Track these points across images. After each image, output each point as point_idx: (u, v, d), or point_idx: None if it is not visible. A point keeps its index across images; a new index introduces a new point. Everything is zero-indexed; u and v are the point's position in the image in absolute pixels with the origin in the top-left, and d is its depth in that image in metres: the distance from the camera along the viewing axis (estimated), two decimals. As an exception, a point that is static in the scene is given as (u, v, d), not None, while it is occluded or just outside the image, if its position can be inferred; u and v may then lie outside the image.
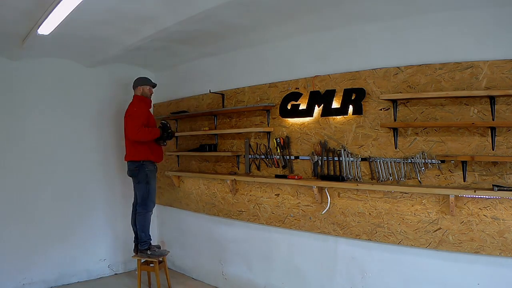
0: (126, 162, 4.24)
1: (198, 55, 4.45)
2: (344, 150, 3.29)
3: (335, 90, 3.36)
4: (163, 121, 4.32)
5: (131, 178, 4.26)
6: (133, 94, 4.29)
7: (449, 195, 2.70)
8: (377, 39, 3.16)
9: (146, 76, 4.44)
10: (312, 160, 3.48)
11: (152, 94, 4.39)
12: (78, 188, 4.66)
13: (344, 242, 3.35)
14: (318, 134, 3.49)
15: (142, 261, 4.20)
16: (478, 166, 2.69)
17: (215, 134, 4.35)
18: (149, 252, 4.15)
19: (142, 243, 4.15)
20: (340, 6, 2.93)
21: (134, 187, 4.26)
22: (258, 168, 3.94)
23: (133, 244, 4.29)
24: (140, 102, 4.22)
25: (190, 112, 4.66)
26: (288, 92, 3.68)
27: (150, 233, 4.23)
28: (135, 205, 4.28)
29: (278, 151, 3.73)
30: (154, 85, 4.36)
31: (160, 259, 4.23)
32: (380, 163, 3.10)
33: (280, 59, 3.82)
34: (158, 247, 4.35)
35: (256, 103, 3.97)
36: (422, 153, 2.90)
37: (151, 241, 4.23)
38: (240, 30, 3.56)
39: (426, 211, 2.90)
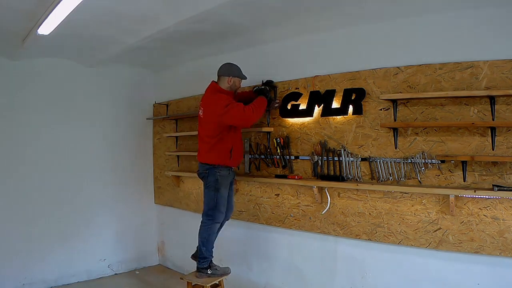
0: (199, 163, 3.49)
1: (198, 55, 4.45)
2: (344, 150, 3.29)
3: (335, 90, 3.36)
4: (258, 87, 3.65)
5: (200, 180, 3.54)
6: (214, 81, 3.43)
7: (449, 195, 2.70)
8: (377, 39, 3.16)
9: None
10: (312, 160, 3.48)
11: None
12: (78, 188, 4.66)
13: (344, 242, 3.35)
14: (318, 134, 3.49)
15: (192, 284, 3.47)
16: (478, 166, 2.69)
17: (215, 134, 4.35)
18: (209, 272, 3.44)
19: (202, 260, 3.45)
20: (340, 6, 2.93)
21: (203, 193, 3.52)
22: (258, 168, 3.94)
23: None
24: (222, 92, 3.36)
25: (190, 112, 4.66)
26: (288, 92, 3.68)
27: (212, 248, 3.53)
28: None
29: (278, 151, 3.73)
30: (244, 78, 3.53)
31: (217, 282, 3.48)
32: (380, 163, 3.10)
33: (280, 59, 3.82)
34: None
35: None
36: (422, 153, 2.90)
37: (212, 258, 3.52)
38: (240, 30, 3.56)
39: (426, 211, 2.90)
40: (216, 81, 3.43)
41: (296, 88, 3.64)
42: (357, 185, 3.14)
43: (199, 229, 3.49)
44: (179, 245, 5.01)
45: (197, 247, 3.58)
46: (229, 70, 3.42)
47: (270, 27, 3.48)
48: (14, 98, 4.25)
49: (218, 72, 3.42)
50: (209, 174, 3.36)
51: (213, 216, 3.42)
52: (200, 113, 3.39)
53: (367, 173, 3.20)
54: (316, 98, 3.47)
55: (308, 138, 3.56)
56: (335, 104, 3.35)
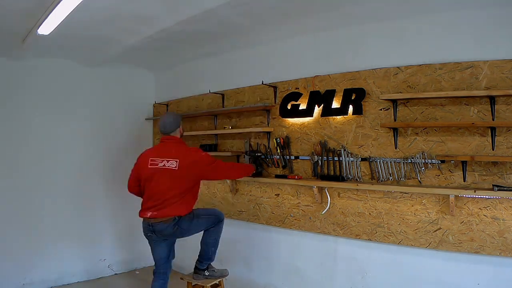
0: (152, 222, 3.07)
1: (198, 55, 4.45)
2: (344, 150, 3.29)
3: (335, 90, 3.36)
4: (255, 153, 3.79)
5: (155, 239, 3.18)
6: (172, 136, 3.23)
7: (449, 195, 2.70)
8: (377, 39, 3.16)
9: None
10: (312, 160, 3.48)
11: None
12: (78, 188, 4.66)
13: (344, 242, 3.35)
14: (318, 134, 3.49)
15: (192, 285, 3.41)
16: (478, 166, 2.69)
17: (215, 134, 4.35)
18: (207, 273, 3.37)
19: (205, 261, 3.38)
20: (340, 6, 2.94)
21: (162, 251, 3.22)
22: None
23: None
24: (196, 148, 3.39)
25: (190, 112, 4.66)
26: (288, 92, 3.68)
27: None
28: (163, 270, 3.26)
29: (278, 151, 3.73)
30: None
31: (217, 282, 3.43)
32: (380, 163, 3.10)
33: (280, 59, 3.82)
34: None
35: (256, 103, 3.98)
36: (422, 153, 2.90)
37: (211, 262, 3.46)
38: (240, 30, 3.56)
39: (426, 211, 2.90)
40: (168, 136, 3.23)
41: (296, 88, 3.64)
42: (357, 185, 3.14)
43: (209, 233, 3.34)
44: (179, 245, 4.98)
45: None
46: (176, 121, 3.26)
47: (270, 27, 3.48)
48: (14, 98, 4.24)
49: (167, 129, 3.21)
50: (180, 225, 3.08)
51: (218, 216, 3.36)
52: (172, 165, 3.07)
53: (367, 173, 3.20)
54: (316, 98, 3.47)
55: (308, 138, 3.56)
56: (335, 104, 3.35)
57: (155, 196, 3.07)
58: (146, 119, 5.32)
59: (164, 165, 3.08)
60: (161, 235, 3.10)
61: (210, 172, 3.16)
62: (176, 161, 3.07)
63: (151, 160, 3.14)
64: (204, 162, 3.13)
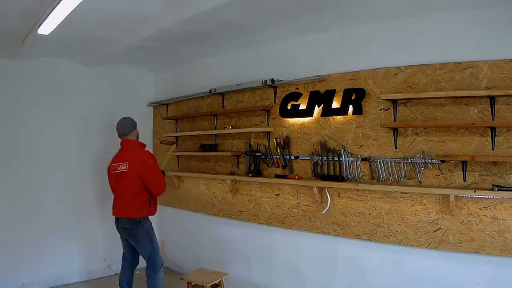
0: (117, 217, 3.54)
1: (198, 55, 4.45)
2: (344, 150, 3.29)
3: (335, 90, 3.36)
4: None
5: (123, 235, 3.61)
6: (124, 139, 3.61)
7: (449, 195, 2.70)
8: (377, 39, 3.16)
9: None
10: (312, 160, 3.48)
11: None
12: (78, 188, 4.66)
13: (344, 242, 3.35)
14: (318, 134, 3.49)
15: (192, 285, 3.49)
16: (478, 166, 2.69)
17: (215, 134, 4.35)
18: None
19: None
20: (340, 6, 2.94)
21: (128, 247, 3.64)
22: (258, 168, 3.93)
23: None
24: (144, 148, 3.67)
25: (190, 112, 4.66)
26: (288, 92, 3.68)
27: None
28: (129, 264, 3.68)
29: (278, 151, 3.73)
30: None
31: (217, 282, 3.49)
32: (380, 163, 3.10)
33: (280, 59, 3.82)
34: None
35: (256, 103, 3.98)
36: (422, 153, 2.90)
37: None
38: (240, 30, 3.56)
39: (426, 211, 2.90)
40: (126, 138, 3.61)
41: (296, 88, 3.64)
42: (357, 185, 3.14)
43: (148, 284, 3.54)
44: (179, 245, 5.02)
45: None
46: (132, 124, 3.66)
47: (270, 27, 3.48)
48: (14, 98, 4.24)
49: (123, 131, 3.62)
50: (136, 228, 3.45)
51: (157, 264, 3.52)
52: (123, 168, 3.44)
53: (367, 173, 3.20)
54: (316, 98, 3.47)
55: (308, 138, 3.56)
56: (335, 104, 3.35)
57: (116, 197, 3.56)
58: (145, 119, 5.32)
59: (117, 169, 3.51)
60: (123, 229, 3.54)
61: (148, 171, 3.43)
62: (127, 163, 3.45)
63: (113, 167, 3.56)
64: (146, 161, 3.46)
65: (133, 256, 3.69)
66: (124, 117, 3.74)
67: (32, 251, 4.30)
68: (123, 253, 3.73)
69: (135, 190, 3.43)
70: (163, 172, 3.73)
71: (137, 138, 3.70)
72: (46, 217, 4.41)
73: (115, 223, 3.62)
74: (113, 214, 3.59)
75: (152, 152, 5.42)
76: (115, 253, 4.92)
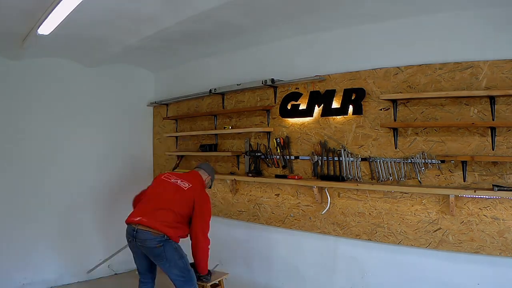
0: (138, 228, 2.88)
1: (198, 55, 4.45)
2: (344, 150, 3.29)
3: (335, 90, 3.36)
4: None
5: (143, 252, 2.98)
6: (200, 174, 3.32)
7: (449, 195, 2.71)
8: (377, 39, 3.16)
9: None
10: (312, 160, 3.48)
11: None
12: (78, 187, 4.66)
13: (344, 242, 3.35)
14: (318, 134, 3.49)
15: None
16: (478, 166, 2.69)
17: (215, 134, 4.35)
18: None
19: None
20: (340, 6, 2.94)
21: (143, 262, 3.06)
22: (258, 168, 3.93)
23: None
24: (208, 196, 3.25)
25: (190, 112, 4.66)
26: (288, 92, 3.68)
27: None
28: (149, 280, 3.20)
29: (278, 151, 3.73)
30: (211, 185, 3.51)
31: (217, 282, 3.35)
32: (380, 163, 3.10)
33: (280, 59, 3.82)
34: None
35: (256, 103, 3.98)
36: (422, 153, 2.90)
37: None
38: (240, 30, 3.56)
39: (426, 211, 2.90)
40: (199, 172, 3.34)
41: (296, 88, 3.64)
42: (357, 185, 3.14)
43: None
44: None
45: None
46: (212, 170, 3.44)
47: (270, 27, 3.48)
48: (14, 97, 4.24)
49: (204, 168, 3.41)
50: (164, 246, 2.88)
51: (193, 277, 3.05)
52: (184, 185, 3.12)
53: (367, 173, 3.20)
54: (316, 98, 3.47)
55: (308, 138, 3.56)
56: (335, 104, 3.35)
57: (154, 200, 3.05)
58: (145, 119, 5.32)
59: (175, 181, 3.14)
60: (142, 245, 2.89)
61: (203, 202, 3.08)
62: (189, 185, 3.12)
63: (165, 176, 3.24)
64: (204, 201, 3.10)
65: (150, 271, 3.17)
66: (211, 166, 3.53)
67: (32, 251, 4.30)
68: (138, 269, 3.16)
69: (182, 212, 3.00)
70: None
71: (206, 185, 3.35)
72: (47, 217, 4.40)
73: (128, 235, 2.97)
74: (132, 220, 2.94)
75: (152, 152, 5.43)
76: (115, 253, 4.92)
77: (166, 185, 3.14)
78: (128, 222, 2.97)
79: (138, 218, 2.91)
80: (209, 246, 3.13)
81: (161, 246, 2.86)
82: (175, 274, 2.97)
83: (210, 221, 3.13)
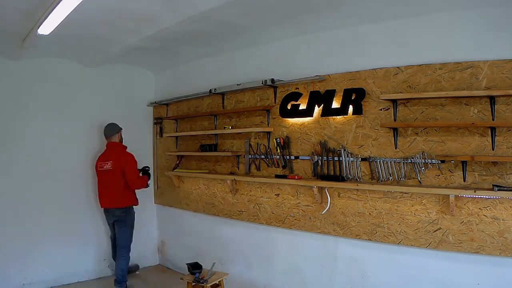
0: (106, 208, 4.36)
1: (198, 55, 4.45)
2: (344, 150, 3.29)
3: (335, 90, 3.36)
4: (147, 166, 4.70)
5: (110, 222, 4.41)
6: (109, 141, 4.38)
7: (449, 195, 2.70)
8: (377, 39, 3.16)
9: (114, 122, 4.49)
10: (312, 160, 3.48)
11: None
12: (78, 188, 4.66)
13: (344, 242, 3.35)
14: (318, 134, 3.49)
15: (192, 285, 3.56)
16: (478, 166, 2.69)
17: (215, 134, 4.36)
18: None
19: (120, 283, 4.24)
20: (340, 6, 2.93)
21: (115, 231, 4.40)
22: (258, 168, 3.94)
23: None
24: (125, 149, 4.41)
25: (190, 112, 4.66)
26: (288, 92, 3.68)
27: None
28: (115, 245, 4.41)
29: (278, 151, 3.73)
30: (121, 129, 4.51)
31: (217, 282, 3.58)
32: (380, 163, 3.10)
33: (280, 59, 3.82)
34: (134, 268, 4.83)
35: (256, 103, 3.98)
36: (422, 153, 2.90)
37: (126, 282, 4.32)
38: (240, 30, 3.56)
39: (426, 211, 2.90)
40: (111, 140, 4.39)
41: (296, 88, 3.64)
42: (357, 185, 3.14)
43: (119, 261, 4.29)
44: (179, 245, 5.02)
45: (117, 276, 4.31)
46: (115, 128, 4.41)
47: (270, 27, 3.48)
48: (14, 97, 4.25)
49: (108, 134, 4.39)
50: (126, 215, 4.33)
51: (129, 247, 4.36)
52: (109, 166, 4.25)
53: (367, 173, 3.20)
54: (316, 98, 3.47)
55: (308, 138, 3.56)
56: (335, 104, 3.35)
57: (100, 188, 4.35)
58: (145, 119, 5.32)
59: (102, 168, 4.30)
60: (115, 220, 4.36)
61: (127, 169, 4.24)
62: (111, 162, 4.25)
63: (99, 165, 4.35)
64: (125, 162, 4.26)
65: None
66: (109, 123, 4.42)
67: (32, 251, 4.30)
68: (111, 235, 4.52)
69: (122, 185, 4.25)
70: (146, 172, 4.62)
71: (120, 141, 4.43)
72: (46, 217, 4.41)
73: (104, 212, 4.42)
74: (102, 206, 4.38)
75: (152, 152, 5.43)
76: (115, 253, 4.92)
77: (101, 174, 4.34)
78: (103, 207, 4.40)
79: (107, 205, 4.34)
80: (147, 183, 4.55)
81: (124, 215, 4.32)
82: (120, 238, 4.35)
83: (137, 167, 4.40)
